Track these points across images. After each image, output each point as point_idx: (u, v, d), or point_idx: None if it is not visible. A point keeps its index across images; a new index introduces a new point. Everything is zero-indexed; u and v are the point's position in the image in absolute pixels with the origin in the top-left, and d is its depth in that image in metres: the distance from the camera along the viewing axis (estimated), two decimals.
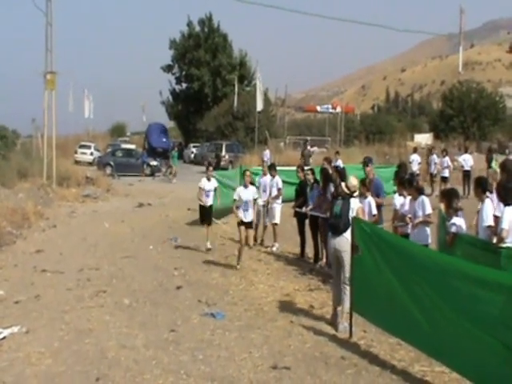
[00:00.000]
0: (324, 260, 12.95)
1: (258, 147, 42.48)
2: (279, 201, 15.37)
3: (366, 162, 13.20)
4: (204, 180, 15.12)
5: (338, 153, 28.00)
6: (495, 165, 21.99)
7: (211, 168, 15.71)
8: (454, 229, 8.99)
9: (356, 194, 9.19)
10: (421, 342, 6.93)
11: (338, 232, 8.71)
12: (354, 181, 9.25)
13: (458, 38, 51.55)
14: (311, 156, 31.07)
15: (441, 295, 6.34)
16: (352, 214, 8.83)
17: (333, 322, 8.73)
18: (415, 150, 28.88)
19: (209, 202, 15.09)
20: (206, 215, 15.13)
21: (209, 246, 14.55)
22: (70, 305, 9.69)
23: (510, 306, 5.45)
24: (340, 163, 24.03)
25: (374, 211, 10.92)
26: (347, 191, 9.01)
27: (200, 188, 15.04)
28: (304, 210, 13.44)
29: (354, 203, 9.10)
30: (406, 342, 7.42)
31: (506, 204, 8.00)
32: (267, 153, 36.82)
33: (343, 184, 9.22)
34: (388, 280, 7.29)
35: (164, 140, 52.45)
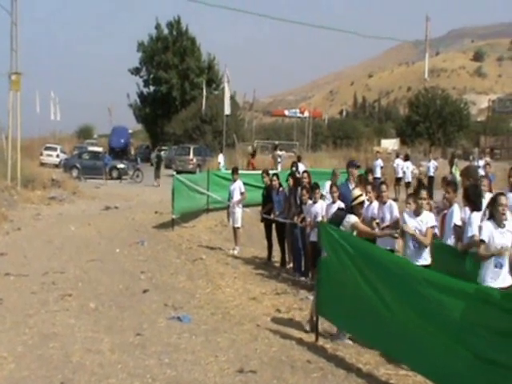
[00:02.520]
0: (291, 265, 13.01)
1: (226, 151, 42.49)
2: (240, 204, 15.34)
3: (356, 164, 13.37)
4: (407, 216, 8.65)
5: (299, 158, 28.26)
6: (455, 170, 22.39)
7: (425, 193, 8.83)
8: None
9: (357, 201, 9.07)
10: (386, 346, 7.02)
11: None
12: (356, 192, 9.18)
13: (423, 45, 52.32)
14: (278, 159, 31.15)
15: (406, 300, 6.45)
16: (347, 229, 8.73)
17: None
18: (378, 155, 29.15)
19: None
20: None
21: None
22: (34, 308, 9.55)
23: (471, 312, 5.58)
24: (302, 167, 24.23)
25: None
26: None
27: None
28: (272, 216, 13.50)
29: (348, 222, 8.91)
30: (372, 346, 7.50)
31: (474, 209, 8.08)
32: (221, 156, 36.90)
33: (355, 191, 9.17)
34: (355, 284, 7.36)
35: (122, 141, 54.72)
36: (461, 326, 5.70)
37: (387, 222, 9.79)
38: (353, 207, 8.90)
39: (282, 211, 13.17)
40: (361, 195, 9.06)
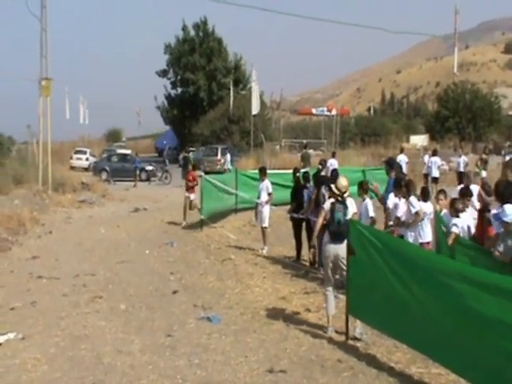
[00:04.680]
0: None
1: (254, 151, 42.47)
2: (268, 204, 15.33)
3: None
4: None
5: (334, 154, 28.25)
6: (479, 169, 22.12)
7: None
8: (454, 229, 9.00)
9: (346, 194, 9.08)
10: (418, 343, 6.93)
11: (342, 239, 8.47)
12: (343, 181, 9.13)
13: (452, 40, 51.73)
14: (309, 159, 31.02)
15: (440, 296, 6.34)
16: (349, 216, 8.82)
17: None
18: (402, 151, 28.87)
19: None
20: None
21: None
22: (65, 311, 9.69)
23: (509, 307, 5.47)
24: (333, 164, 24.19)
25: (371, 213, 10.91)
26: (337, 192, 8.94)
27: None
28: (298, 215, 13.46)
29: (351, 206, 9.07)
30: (404, 343, 7.41)
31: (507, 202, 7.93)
32: (228, 157, 36.76)
33: (333, 186, 9.15)
34: (386, 282, 7.28)
35: (164, 142, 60.65)
36: (499, 322, 5.52)
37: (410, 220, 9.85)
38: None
39: (308, 210, 13.10)
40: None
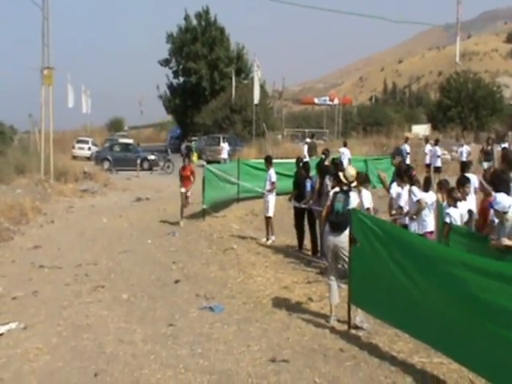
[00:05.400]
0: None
1: (256, 140, 42.40)
2: (273, 194, 15.26)
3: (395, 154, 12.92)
4: None
5: (345, 143, 28.33)
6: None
7: None
8: (447, 219, 8.99)
9: (354, 184, 9.07)
10: (421, 333, 6.92)
11: (340, 229, 8.50)
12: (351, 171, 9.11)
13: (455, 29, 51.45)
14: (316, 147, 31.02)
15: (443, 285, 6.31)
16: (351, 206, 8.80)
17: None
18: (406, 140, 28.81)
19: None
20: None
21: None
22: (67, 300, 9.68)
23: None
24: (345, 153, 24.29)
25: (367, 205, 10.77)
26: (345, 181, 8.91)
27: None
28: (300, 204, 13.42)
29: (354, 198, 9.03)
30: (406, 333, 7.39)
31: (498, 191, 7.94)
32: (226, 146, 36.58)
33: (341, 174, 9.12)
34: (389, 271, 7.25)
35: (177, 131, 63.40)
36: (504, 311, 5.49)
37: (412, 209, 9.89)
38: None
39: (311, 199, 13.07)
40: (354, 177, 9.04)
